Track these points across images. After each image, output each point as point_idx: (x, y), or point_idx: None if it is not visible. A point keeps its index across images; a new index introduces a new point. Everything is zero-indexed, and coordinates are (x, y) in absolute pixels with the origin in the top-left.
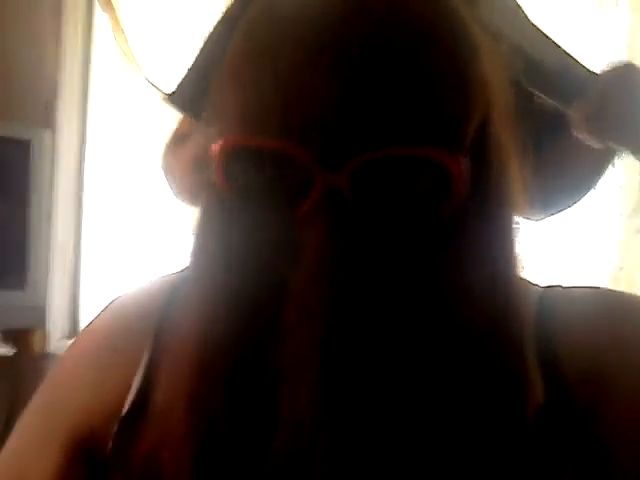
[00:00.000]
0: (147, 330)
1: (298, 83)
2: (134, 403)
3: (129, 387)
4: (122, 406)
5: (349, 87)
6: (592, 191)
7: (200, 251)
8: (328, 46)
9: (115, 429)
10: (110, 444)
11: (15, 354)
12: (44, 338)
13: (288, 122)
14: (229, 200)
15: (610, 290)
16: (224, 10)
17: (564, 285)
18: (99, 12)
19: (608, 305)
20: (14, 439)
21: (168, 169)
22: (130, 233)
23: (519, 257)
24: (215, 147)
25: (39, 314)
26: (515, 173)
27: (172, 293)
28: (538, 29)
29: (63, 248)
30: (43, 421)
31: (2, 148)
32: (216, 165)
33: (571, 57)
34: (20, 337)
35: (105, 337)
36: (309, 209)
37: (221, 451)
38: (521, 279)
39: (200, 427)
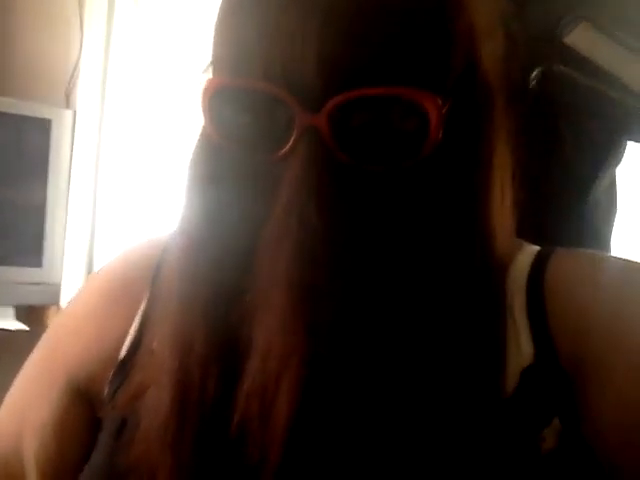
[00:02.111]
0: (145, 280)
1: (279, 26)
2: (129, 349)
3: (126, 336)
4: (119, 354)
5: (328, 29)
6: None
7: (187, 191)
8: None
9: (112, 374)
10: (106, 388)
11: (30, 330)
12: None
13: (270, 64)
14: (214, 142)
15: (613, 256)
16: None
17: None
18: None
19: (604, 267)
20: (19, 382)
21: None
22: (145, 213)
23: (508, 211)
24: (201, 88)
25: (55, 291)
26: (500, 123)
27: (168, 242)
28: None
29: (79, 227)
30: (45, 366)
31: (23, 127)
32: (202, 106)
33: None
34: (34, 314)
35: (105, 289)
36: (288, 149)
37: (198, 390)
38: (514, 237)
39: (181, 365)
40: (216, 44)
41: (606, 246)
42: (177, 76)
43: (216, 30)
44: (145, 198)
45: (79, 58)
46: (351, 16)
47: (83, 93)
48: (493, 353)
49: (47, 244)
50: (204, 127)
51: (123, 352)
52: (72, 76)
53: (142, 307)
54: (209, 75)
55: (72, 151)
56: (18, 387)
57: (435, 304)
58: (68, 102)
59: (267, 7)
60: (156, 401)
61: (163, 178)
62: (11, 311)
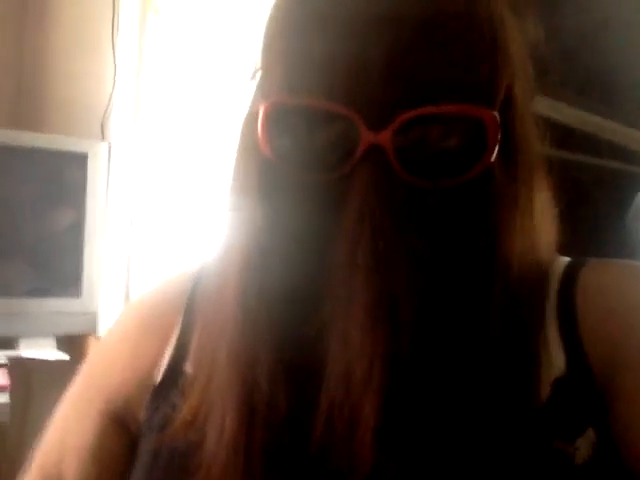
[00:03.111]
0: (178, 308)
1: (345, 45)
2: (166, 373)
3: (161, 361)
4: (154, 378)
5: (394, 49)
6: None
7: (238, 217)
8: (374, 12)
9: (148, 399)
10: (143, 413)
11: (70, 360)
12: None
13: (333, 83)
14: (270, 162)
15: None
16: None
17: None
18: (151, 25)
19: (636, 276)
20: (60, 410)
21: None
22: (180, 242)
23: (548, 227)
24: (259, 108)
25: (93, 320)
26: (535, 147)
27: (200, 272)
28: None
29: (116, 257)
30: (83, 392)
31: (60, 161)
32: (260, 126)
33: None
34: (74, 343)
35: (139, 316)
36: (352, 167)
37: (267, 408)
38: (550, 248)
39: (245, 383)
40: (269, 60)
41: None
42: (209, 101)
43: (268, 46)
44: (180, 227)
45: (113, 90)
46: (417, 38)
47: (117, 125)
48: (530, 365)
49: (85, 275)
50: (258, 147)
51: (160, 376)
52: (107, 109)
53: (176, 332)
54: (255, 85)
55: (108, 182)
56: (59, 415)
57: (488, 314)
58: (103, 134)
59: (331, 22)
60: (218, 425)
61: (197, 206)
62: (52, 341)
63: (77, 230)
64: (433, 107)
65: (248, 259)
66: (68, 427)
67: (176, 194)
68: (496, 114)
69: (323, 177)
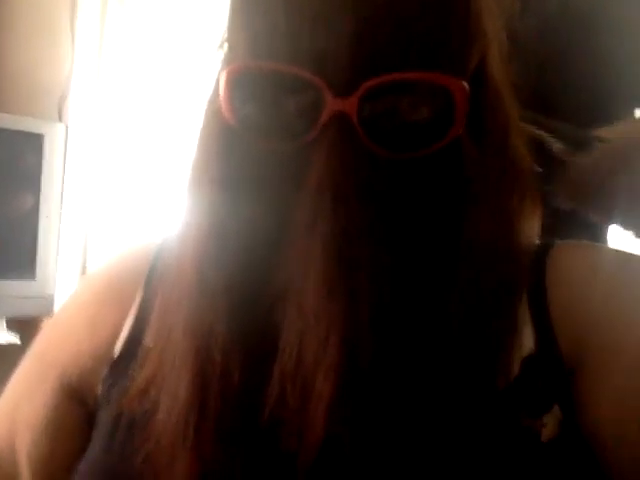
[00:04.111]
0: (138, 281)
1: (311, 11)
2: (125, 346)
3: (119, 333)
4: (112, 351)
5: (361, 15)
6: None
7: (199, 188)
8: None
9: (106, 372)
10: (100, 387)
11: (21, 343)
12: None
13: (298, 48)
14: (232, 130)
15: (613, 247)
16: None
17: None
18: (112, 7)
19: (604, 258)
20: (11, 383)
21: None
22: (137, 225)
23: (528, 209)
24: (223, 73)
25: (48, 303)
26: (510, 119)
27: (162, 245)
28: None
29: (72, 239)
30: (36, 366)
31: (16, 142)
32: (223, 92)
33: None
34: (26, 326)
35: (97, 288)
36: (316, 135)
37: (220, 379)
38: (529, 230)
39: (199, 354)
40: (234, 28)
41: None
42: (169, 85)
43: (233, 13)
44: (138, 209)
45: (71, 72)
46: (385, 3)
47: (75, 106)
48: (497, 341)
49: (40, 257)
50: (220, 115)
51: (117, 349)
52: (64, 90)
53: (135, 306)
54: (222, 55)
55: (64, 164)
56: (11, 388)
57: (452, 290)
58: (61, 116)
59: None
60: (171, 394)
61: (155, 189)
62: (2, 323)
63: (33, 212)
64: (399, 74)
65: (206, 228)
66: (20, 403)
67: (133, 178)
68: (465, 84)
69: (286, 145)
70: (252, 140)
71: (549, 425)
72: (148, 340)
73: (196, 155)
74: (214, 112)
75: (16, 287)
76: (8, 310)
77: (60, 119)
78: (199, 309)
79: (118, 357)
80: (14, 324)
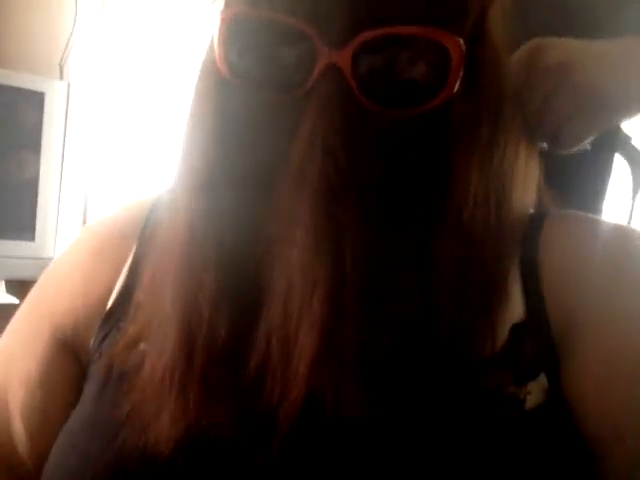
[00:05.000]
0: (132, 235)
1: None
2: (117, 300)
3: (114, 288)
4: (106, 306)
5: None
6: None
7: (193, 134)
8: None
9: (99, 325)
10: (92, 340)
11: (20, 304)
12: None
13: None
14: (227, 81)
15: (607, 219)
16: None
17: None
18: None
19: (598, 229)
20: (4, 337)
21: None
22: (138, 187)
23: (525, 175)
24: (216, 21)
25: (46, 265)
26: (507, 86)
27: (157, 200)
28: None
29: (72, 200)
30: (30, 318)
31: (16, 99)
32: (218, 41)
33: None
34: (25, 288)
35: (92, 242)
36: (309, 88)
37: (207, 333)
38: (526, 197)
39: (187, 308)
40: None
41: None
42: (170, 45)
43: None
44: (138, 172)
45: (73, 30)
46: None
47: (76, 65)
48: (482, 306)
49: (40, 218)
50: (215, 67)
51: (110, 303)
52: (66, 48)
53: (129, 260)
54: (218, 6)
55: (66, 123)
56: (4, 341)
57: (438, 251)
58: (62, 74)
59: None
60: (158, 346)
61: (155, 150)
62: (1, 285)
63: (33, 172)
64: (394, 28)
65: (199, 180)
66: (13, 355)
67: (134, 138)
68: (461, 42)
69: (280, 97)
70: (246, 91)
71: (534, 393)
72: (140, 294)
73: (191, 107)
74: (209, 64)
75: (15, 248)
76: (6, 271)
77: (61, 77)
78: (189, 262)
79: (110, 310)
80: (13, 285)
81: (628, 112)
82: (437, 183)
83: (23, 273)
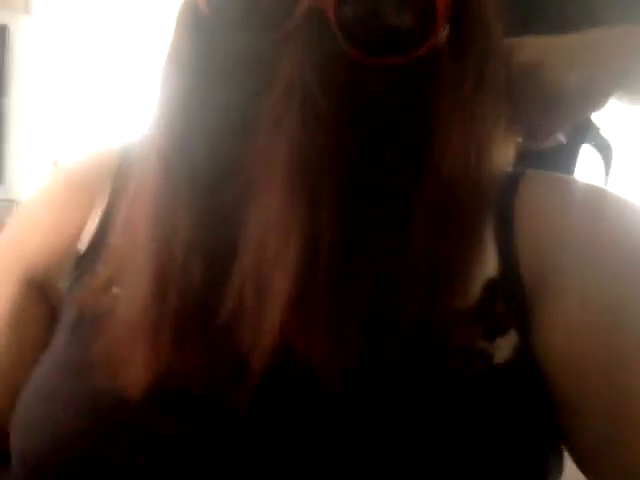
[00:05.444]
0: (106, 177)
1: None
2: (91, 242)
3: (86, 229)
4: (77, 246)
5: None
6: None
7: (170, 73)
8: None
9: (71, 267)
10: (64, 282)
11: None
12: None
13: None
14: (207, 20)
15: (581, 180)
16: None
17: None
18: None
19: (573, 189)
20: None
21: None
22: (108, 126)
23: (502, 136)
24: None
25: (14, 208)
26: (493, 42)
27: (130, 142)
28: None
29: (41, 142)
30: (0, 260)
31: None
32: None
33: None
34: None
35: (65, 183)
36: (290, 31)
37: (181, 276)
38: (503, 157)
39: (161, 251)
40: None
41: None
42: None
43: None
44: (108, 110)
45: None
46: None
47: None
48: (457, 263)
49: (7, 161)
50: (195, 5)
51: (83, 245)
52: None
53: (104, 202)
54: None
55: (33, 61)
56: None
57: (415, 207)
58: (27, 7)
59: None
60: (131, 290)
61: (125, 90)
62: None
63: None
64: None
65: (174, 120)
66: None
67: (103, 76)
68: None
69: (260, 38)
70: (226, 31)
71: (504, 349)
72: (113, 237)
73: (169, 47)
74: (188, 3)
75: None
76: None
77: (26, 11)
78: (163, 203)
79: (84, 253)
80: None
81: (595, 105)
82: (418, 134)
83: None
